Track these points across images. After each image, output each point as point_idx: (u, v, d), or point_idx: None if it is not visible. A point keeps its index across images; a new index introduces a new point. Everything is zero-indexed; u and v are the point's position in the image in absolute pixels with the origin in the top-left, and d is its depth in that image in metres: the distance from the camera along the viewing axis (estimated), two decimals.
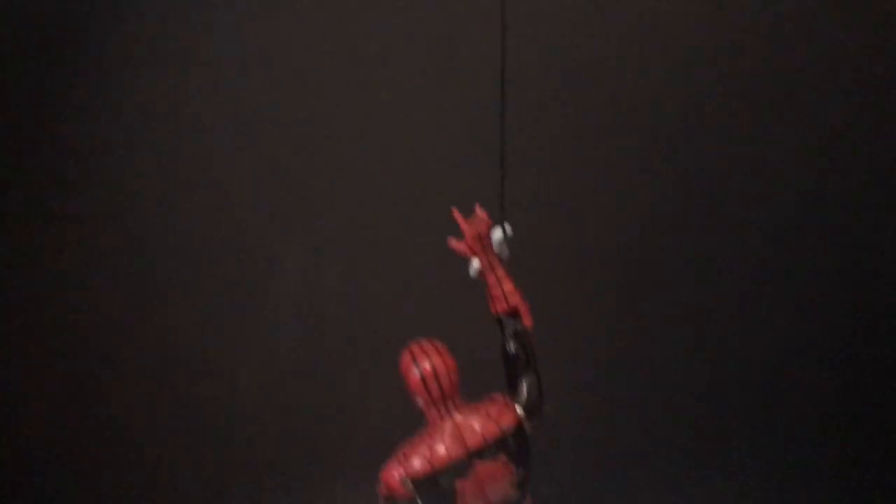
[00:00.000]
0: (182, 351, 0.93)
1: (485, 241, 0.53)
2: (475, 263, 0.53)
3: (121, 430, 0.93)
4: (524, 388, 0.51)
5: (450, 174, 0.86)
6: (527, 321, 0.52)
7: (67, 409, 0.93)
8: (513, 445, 0.50)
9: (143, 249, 0.91)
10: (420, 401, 0.51)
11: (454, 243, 0.53)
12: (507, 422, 0.50)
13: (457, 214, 0.53)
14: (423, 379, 0.50)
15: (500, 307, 0.52)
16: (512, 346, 0.51)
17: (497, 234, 0.53)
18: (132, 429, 0.93)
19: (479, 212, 0.53)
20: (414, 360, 0.51)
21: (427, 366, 0.51)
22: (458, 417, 0.51)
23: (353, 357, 0.92)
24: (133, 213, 0.90)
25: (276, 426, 0.94)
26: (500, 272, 0.53)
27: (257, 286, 0.92)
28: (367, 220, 0.90)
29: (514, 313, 0.52)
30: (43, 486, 0.92)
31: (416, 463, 0.50)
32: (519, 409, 0.51)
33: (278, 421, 0.94)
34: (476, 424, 0.50)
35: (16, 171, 0.88)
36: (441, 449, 0.50)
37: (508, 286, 0.52)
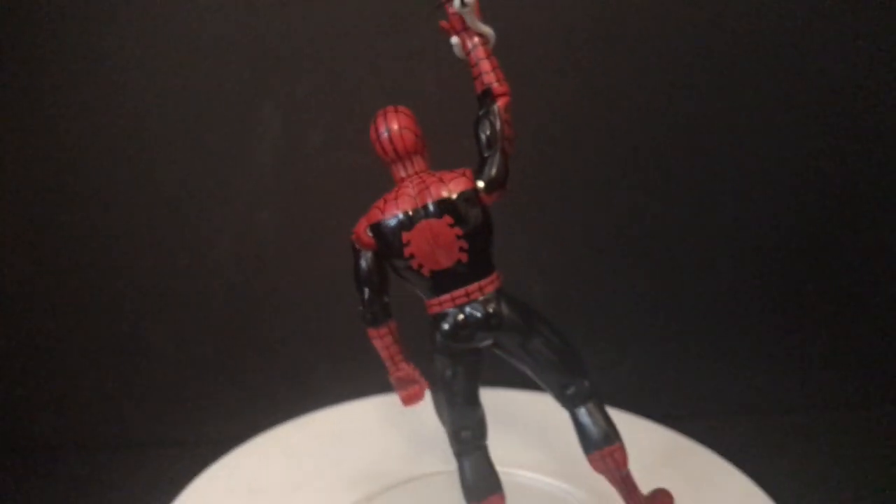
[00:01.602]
0: (162, 219, 0.93)
1: (466, 24, 0.53)
2: (454, 40, 0.54)
3: (104, 300, 0.94)
4: (486, 163, 0.53)
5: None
6: (499, 102, 0.53)
7: (51, 272, 0.94)
8: (462, 211, 0.52)
9: (127, 115, 0.90)
10: (383, 158, 0.56)
11: (442, 23, 0.55)
12: (456, 187, 0.53)
13: None
14: (381, 138, 0.55)
15: (476, 86, 0.54)
16: (480, 125, 0.53)
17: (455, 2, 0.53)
18: (114, 299, 0.94)
19: None
20: (378, 121, 0.55)
21: (389, 126, 0.55)
22: (416, 177, 0.54)
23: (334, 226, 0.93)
24: (118, 77, 0.89)
25: (256, 295, 0.95)
26: (480, 53, 0.54)
27: (239, 152, 0.91)
28: (350, 85, 0.90)
29: (488, 93, 0.53)
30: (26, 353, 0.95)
31: (373, 212, 0.55)
32: (480, 183, 0.53)
33: (258, 289, 0.95)
34: (430, 185, 0.53)
35: None
36: (394, 201, 0.54)
37: (485, 66, 0.53)
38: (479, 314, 0.53)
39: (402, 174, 0.55)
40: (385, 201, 0.54)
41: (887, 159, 0.93)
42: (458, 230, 0.52)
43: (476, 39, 0.53)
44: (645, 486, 0.59)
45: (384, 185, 0.90)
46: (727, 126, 0.93)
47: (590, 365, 0.56)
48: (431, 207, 0.53)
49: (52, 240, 0.94)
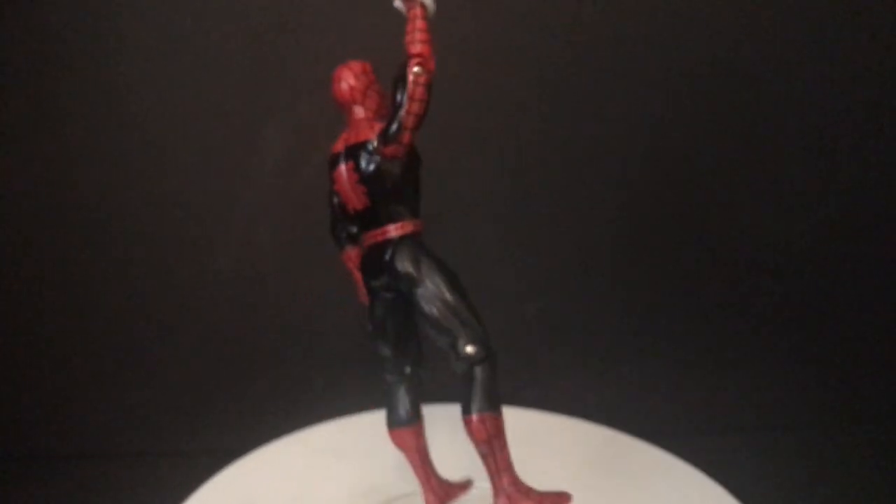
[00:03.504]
0: (165, 232, 0.95)
1: None
2: (396, 3, 0.57)
3: (106, 312, 0.96)
4: (390, 119, 0.56)
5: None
6: (410, 63, 0.55)
7: (53, 283, 0.95)
8: (361, 159, 0.57)
9: (132, 133, 0.92)
10: (338, 105, 0.61)
11: None
12: (360, 136, 0.58)
13: None
14: (334, 86, 0.61)
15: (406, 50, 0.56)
16: (394, 84, 0.56)
17: None
18: (116, 311, 0.96)
19: None
20: (336, 71, 0.61)
21: (334, 77, 0.61)
22: (353, 124, 0.60)
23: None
24: (124, 96, 0.91)
25: (257, 309, 0.97)
26: (410, 16, 0.56)
27: (241, 168, 0.94)
28: None
29: (410, 55, 0.55)
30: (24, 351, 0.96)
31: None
32: (380, 136, 0.57)
33: (259, 304, 0.97)
34: (352, 132, 0.60)
35: None
36: (338, 142, 0.61)
37: (408, 28, 0.56)
38: (379, 255, 0.58)
39: (349, 119, 0.61)
40: (336, 141, 0.61)
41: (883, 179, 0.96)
42: (357, 175, 0.58)
43: (412, 3, 0.56)
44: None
45: None
46: (720, 143, 0.95)
47: (491, 335, 0.57)
48: (347, 152, 0.59)
49: (57, 252, 0.95)
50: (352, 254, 0.63)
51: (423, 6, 0.56)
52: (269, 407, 0.97)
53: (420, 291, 0.56)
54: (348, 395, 0.86)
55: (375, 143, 0.57)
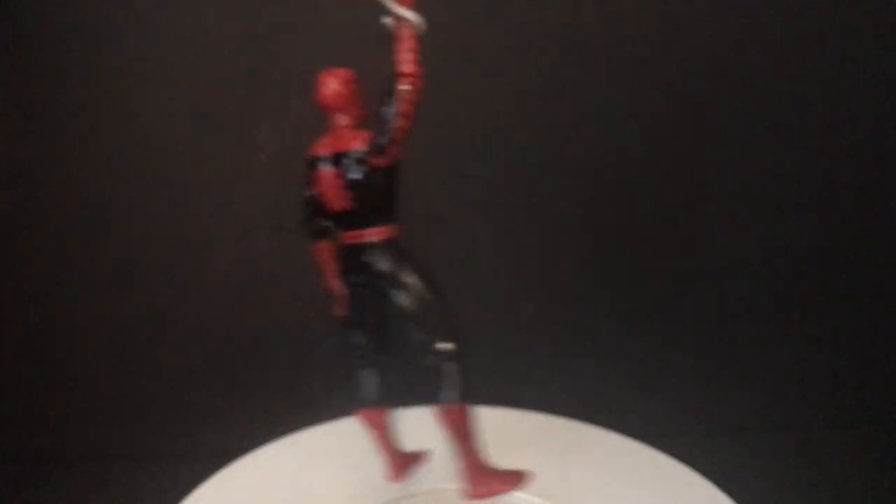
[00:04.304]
0: (162, 234, 0.95)
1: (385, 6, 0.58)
2: (384, 20, 0.58)
3: (104, 313, 0.97)
4: (379, 131, 0.59)
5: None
6: (403, 82, 0.57)
7: (51, 285, 0.96)
8: (348, 166, 0.61)
9: (127, 135, 0.92)
10: (322, 109, 0.64)
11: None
12: (350, 145, 0.61)
13: None
14: (320, 90, 0.63)
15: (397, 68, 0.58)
16: (383, 98, 0.58)
17: None
18: (113, 312, 0.97)
19: None
20: (321, 77, 0.64)
21: (320, 83, 0.64)
22: (338, 130, 0.63)
23: None
24: (118, 98, 0.92)
25: (254, 310, 0.98)
26: (400, 35, 0.57)
27: (237, 170, 0.94)
28: None
29: (400, 73, 0.57)
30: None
31: (310, 149, 0.64)
32: (370, 146, 0.60)
33: (256, 305, 0.98)
34: (339, 139, 0.62)
35: None
36: (318, 146, 0.63)
37: (400, 47, 0.57)
38: (359, 255, 0.62)
39: (331, 124, 0.64)
40: (317, 142, 0.64)
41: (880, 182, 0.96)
42: (342, 182, 0.61)
43: (401, 23, 0.57)
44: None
45: None
46: (720, 143, 0.95)
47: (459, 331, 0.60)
48: (333, 158, 0.62)
49: (52, 253, 0.95)
50: (324, 246, 0.66)
51: (412, 26, 0.57)
52: (266, 408, 0.97)
53: (400, 290, 0.61)
54: (346, 396, 0.86)
55: (364, 153, 0.60)
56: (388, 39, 0.57)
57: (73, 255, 0.95)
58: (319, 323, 0.96)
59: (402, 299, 0.61)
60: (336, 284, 0.66)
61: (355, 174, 0.61)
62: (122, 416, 0.99)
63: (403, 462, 0.71)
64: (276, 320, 0.98)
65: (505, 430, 0.79)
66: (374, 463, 0.75)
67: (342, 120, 0.64)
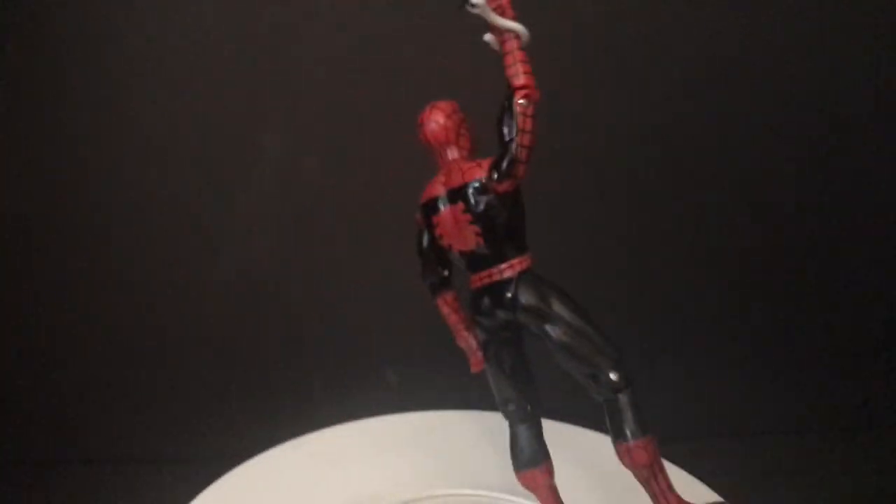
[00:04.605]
0: (165, 237, 0.95)
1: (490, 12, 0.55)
2: (487, 37, 0.56)
3: (107, 317, 0.96)
4: (500, 155, 0.55)
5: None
6: (517, 95, 0.54)
7: (55, 287, 0.95)
8: (472, 198, 0.56)
9: (132, 140, 0.92)
10: (425, 146, 0.61)
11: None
12: (469, 176, 0.57)
13: None
14: (418, 129, 0.60)
15: (509, 83, 0.55)
16: (499, 119, 0.55)
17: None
18: (117, 316, 0.96)
19: None
20: (425, 113, 0.61)
21: (423, 119, 0.60)
22: (450, 165, 0.59)
23: (333, 248, 0.95)
24: (123, 104, 0.91)
25: (256, 315, 0.97)
26: (506, 48, 0.55)
27: (240, 177, 0.94)
28: (347, 110, 0.91)
29: (511, 88, 0.55)
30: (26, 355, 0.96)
31: (422, 195, 0.60)
32: (488, 172, 0.56)
33: (258, 310, 0.97)
34: (454, 173, 0.58)
35: None
36: (430, 187, 0.60)
37: (508, 60, 0.55)
38: (497, 294, 0.56)
39: (440, 161, 0.60)
40: (428, 186, 0.60)
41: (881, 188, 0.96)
42: (468, 216, 0.56)
43: (505, 35, 0.55)
44: None
45: (380, 207, 0.93)
46: (727, 145, 0.95)
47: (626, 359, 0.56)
48: (451, 194, 0.57)
49: (55, 259, 0.95)
50: (448, 297, 0.62)
51: (518, 37, 0.55)
52: (268, 413, 0.98)
53: (551, 324, 0.55)
54: (348, 401, 0.87)
55: (485, 181, 0.56)
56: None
57: (76, 258, 0.95)
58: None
59: (557, 333, 0.55)
60: (469, 337, 0.61)
61: (479, 205, 0.56)
62: (124, 421, 0.99)
63: None
64: (279, 326, 0.98)
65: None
66: (377, 468, 0.75)
67: (453, 154, 0.60)
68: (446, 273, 0.62)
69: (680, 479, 0.74)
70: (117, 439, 0.99)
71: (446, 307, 0.62)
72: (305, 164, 0.94)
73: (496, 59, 0.56)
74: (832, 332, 1.01)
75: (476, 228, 0.56)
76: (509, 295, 0.56)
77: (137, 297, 0.96)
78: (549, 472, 0.61)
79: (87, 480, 0.94)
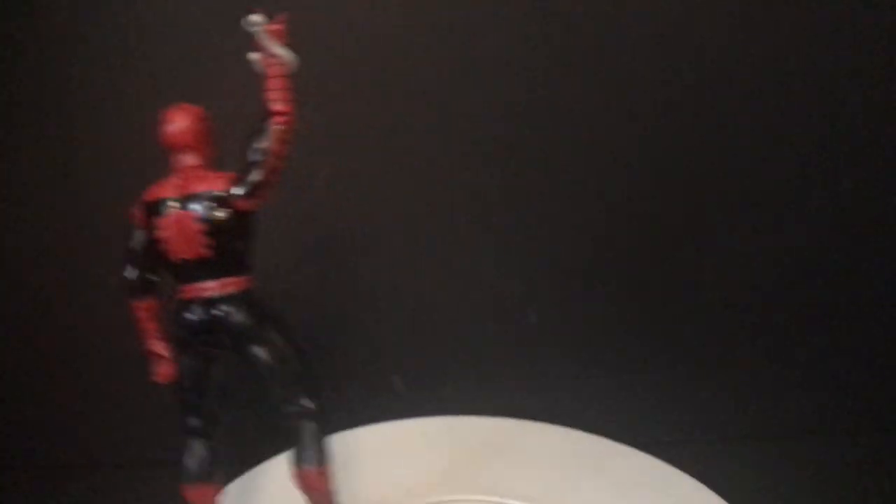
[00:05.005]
0: None
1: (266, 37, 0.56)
2: (252, 56, 0.57)
3: (109, 320, 0.89)
4: (249, 171, 0.55)
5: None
6: (278, 120, 0.55)
7: (57, 293, 0.96)
8: (208, 209, 0.56)
9: (141, 152, 0.88)
10: (165, 148, 0.60)
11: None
12: (211, 186, 0.57)
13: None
14: (161, 129, 0.59)
15: (264, 102, 0.56)
16: (253, 135, 0.55)
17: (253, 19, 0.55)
18: (119, 319, 0.92)
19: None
20: (170, 113, 0.60)
21: (167, 120, 0.59)
22: (187, 170, 0.59)
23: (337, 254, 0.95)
24: (133, 114, 0.86)
25: None
26: (272, 72, 0.55)
27: None
28: (353, 119, 0.91)
29: (270, 110, 0.55)
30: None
31: (147, 193, 0.59)
32: (237, 189, 0.56)
33: None
34: (193, 179, 0.57)
35: None
36: (160, 187, 0.58)
37: (272, 85, 0.55)
38: (208, 310, 0.57)
39: (177, 165, 0.59)
40: (156, 185, 0.59)
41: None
42: (201, 226, 0.56)
43: (272, 59, 0.56)
44: None
45: (389, 215, 0.93)
46: (726, 150, 0.95)
47: (322, 391, 0.59)
48: (184, 200, 0.56)
49: (63, 262, 0.95)
50: (150, 303, 0.61)
51: (285, 64, 0.55)
52: (275, 419, 0.98)
53: (258, 346, 0.57)
54: (350, 408, 0.87)
55: (228, 194, 0.56)
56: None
57: (83, 262, 0.95)
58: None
59: (262, 354, 0.56)
60: (159, 346, 0.60)
61: (215, 217, 0.56)
62: (130, 426, 0.99)
63: None
64: None
65: (505, 440, 0.80)
66: (385, 473, 0.75)
67: (189, 160, 0.59)
68: (153, 278, 0.61)
69: (683, 482, 0.75)
70: (125, 443, 0.99)
71: (145, 313, 0.61)
72: (316, 171, 0.94)
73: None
74: (839, 336, 1.01)
75: (204, 239, 0.56)
76: (220, 312, 0.56)
77: None
78: (217, 489, 0.62)
79: (94, 485, 0.94)
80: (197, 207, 0.56)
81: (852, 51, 0.93)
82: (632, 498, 0.72)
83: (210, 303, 0.57)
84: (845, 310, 1.00)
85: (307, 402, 0.58)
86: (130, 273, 0.61)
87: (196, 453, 0.61)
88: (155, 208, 0.58)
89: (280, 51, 0.55)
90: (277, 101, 0.55)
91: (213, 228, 0.56)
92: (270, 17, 0.56)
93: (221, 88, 0.91)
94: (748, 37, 0.92)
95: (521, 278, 0.99)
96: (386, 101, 0.92)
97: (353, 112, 0.92)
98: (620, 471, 0.77)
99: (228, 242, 0.57)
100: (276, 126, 0.54)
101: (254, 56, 0.56)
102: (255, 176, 0.55)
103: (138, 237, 0.60)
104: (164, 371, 0.61)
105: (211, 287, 0.57)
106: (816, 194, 0.97)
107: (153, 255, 0.59)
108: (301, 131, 0.92)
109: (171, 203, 0.57)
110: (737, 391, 1.01)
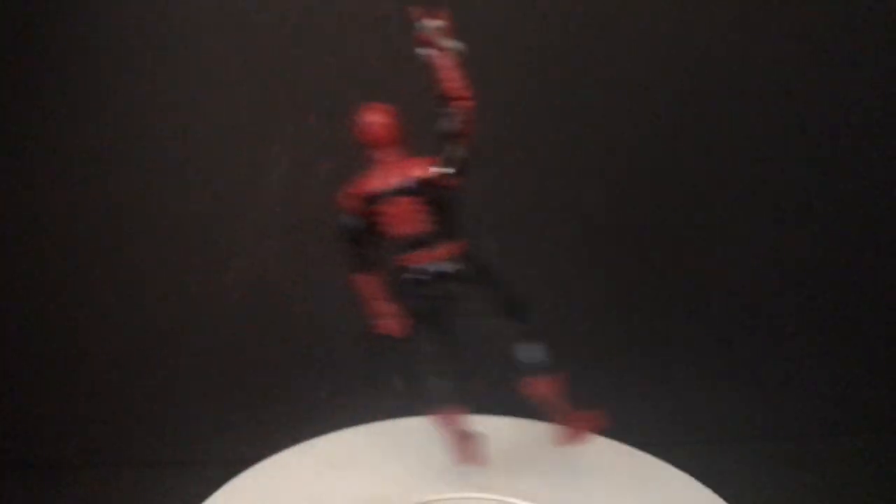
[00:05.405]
0: (174, 245, 0.96)
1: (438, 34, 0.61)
2: (422, 51, 0.61)
3: (116, 322, 0.98)
4: (446, 151, 0.62)
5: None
6: (464, 104, 0.60)
7: (63, 293, 0.97)
8: (421, 192, 0.63)
9: (142, 151, 0.94)
10: (366, 145, 0.65)
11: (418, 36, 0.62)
12: (416, 172, 0.63)
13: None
14: (366, 127, 0.64)
15: (440, 89, 0.61)
16: (443, 120, 0.61)
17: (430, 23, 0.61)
18: (125, 321, 0.98)
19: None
20: (364, 114, 0.65)
21: (371, 117, 0.65)
22: (391, 163, 0.64)
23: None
24: (135, 115, 0.93)
25: (265, 319, 0.99)
26: (448, 63, 0.60)
27: (245, 191, 0.96)
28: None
29: (452, 97, 0.60)
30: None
31: (358, 185, 0.65)
32: (436, 168, 0.62)
33: (265, 315, 0.99)
34: (401, 168, 0.64)
35: None
36: (373, 179, 0.64)
37: (452, 75, 0.60)
38: (441, 269, 0.65)
39: (381, 158, 0.65)
40: (365, 178, 0.65)
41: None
42: (423, 206, 0.63)
43: (445, 52, 0.61)
44: None
45: None
46: (726, 147, 0.96)
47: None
48: (404, 186, 0.63)
49: (67, 263, 0.96)
50: (378, 274, 0.68)
51: (456, 53, 0.60)
52: (277, 417, 0.99)
53: (486, 291, 0.66)
54: (356, 405, 0.87)
55: (441, 176, 0.62)
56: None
57: (88, 263, 0.96)
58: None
59: (490, 298, 0.65)
60: (389, 307, 0.68)
61: (435, 197, 0.63)
62: (134, 424, 1.00)
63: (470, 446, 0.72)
64: (288, 331, 0.99)
65: (506, 439, 0.80)
66: (385, 471, 0.75)
67: (390, 154, 0.65)
68: (373, 256, 0.68)
69: (683, 482, 0.75)
70: (127, 442, 0.99)
71: (370, 285, 0.68)
72: (315, 173, 0.95)
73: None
74: (840, 336, 1.01)
75: (428, 216, 0.63)
76: (451, 268, 0.65)
77: (149, 302, 0.97)
78: (466, 413, 0.69)
79: (98, 484, 0.95)
80: (417, 190, 0.63)
81: (853, 51, 0.93)
82: (632, 498, 0.72)
83: (441, 263, 0.65)
84: (847, 310, 1.01)
85: (523, 325, 0.66)
86: (360, 253, 0.68)
87: (440, 389, 0.68)
88: (374, 198, 0.64)
89: (451, 43, 0.60)
90: (455, 89, 0.60)
91: (436, 207, 0.64)
92: (436, 15, 0.61)
93: (221, 89, 0.92)
94: (748, 36, 0.93)
95: (520, 277, 0.99)
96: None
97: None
98: (620, 471, 0.77)
99: (445, 215, 0.64)
100: (461, 109, 0.60)
101: (422, 51, 0.61)
102: (460, 153, 0.62)
103: (357, 223, 0.67)
104: (397, 327, 0.68)
105: (436, 253, 0.64)
106: (821, 194, 0.97)
107: (373, 237, 0.66)
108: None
109: (392, 191, 0.64)
110: (737, 391, 1.02)
